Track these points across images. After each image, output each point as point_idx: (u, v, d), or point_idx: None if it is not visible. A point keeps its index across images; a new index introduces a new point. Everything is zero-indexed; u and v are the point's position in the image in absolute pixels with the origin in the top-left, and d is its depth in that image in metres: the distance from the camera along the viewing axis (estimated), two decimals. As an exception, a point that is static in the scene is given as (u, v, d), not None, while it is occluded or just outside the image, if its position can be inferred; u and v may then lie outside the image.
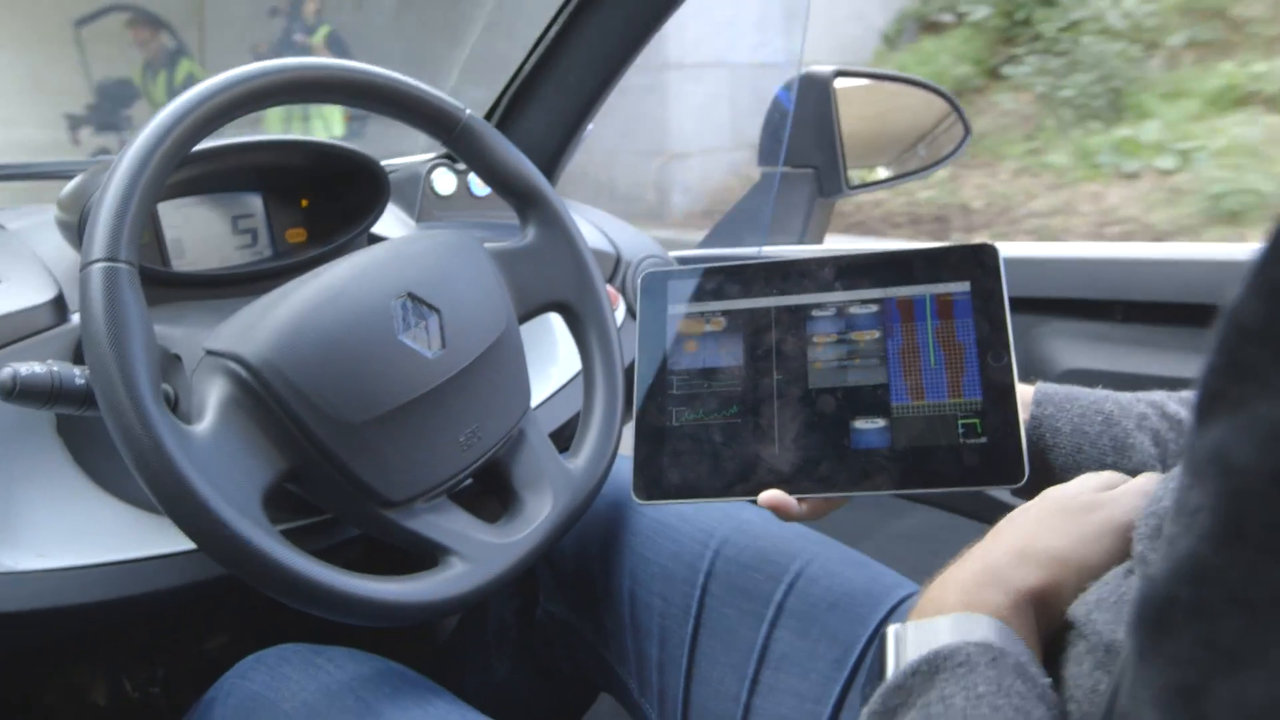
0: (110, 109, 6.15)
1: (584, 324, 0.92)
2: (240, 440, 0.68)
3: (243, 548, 0.63)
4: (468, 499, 0.80)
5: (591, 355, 0.91)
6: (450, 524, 0.76)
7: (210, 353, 0.71)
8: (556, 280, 0.90)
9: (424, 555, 0.75)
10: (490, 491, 0.84)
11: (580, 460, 0.86)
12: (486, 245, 0.86)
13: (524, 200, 0.91)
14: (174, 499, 0.62)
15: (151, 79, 6.03)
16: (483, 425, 0.80)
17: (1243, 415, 0.28)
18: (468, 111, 0.87)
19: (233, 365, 0.70)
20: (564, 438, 1.08)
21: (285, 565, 0.65)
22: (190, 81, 5.40)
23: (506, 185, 0.90)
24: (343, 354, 0.73)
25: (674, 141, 6.20)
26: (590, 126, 1.32)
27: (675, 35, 5.84)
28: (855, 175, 1.45)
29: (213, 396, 0.69)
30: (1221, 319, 0.30)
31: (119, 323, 0.64)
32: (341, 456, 0.71)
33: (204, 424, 0.68)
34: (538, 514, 0.81)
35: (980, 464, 0.71)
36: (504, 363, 0.83)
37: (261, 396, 0.69)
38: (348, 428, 0.71)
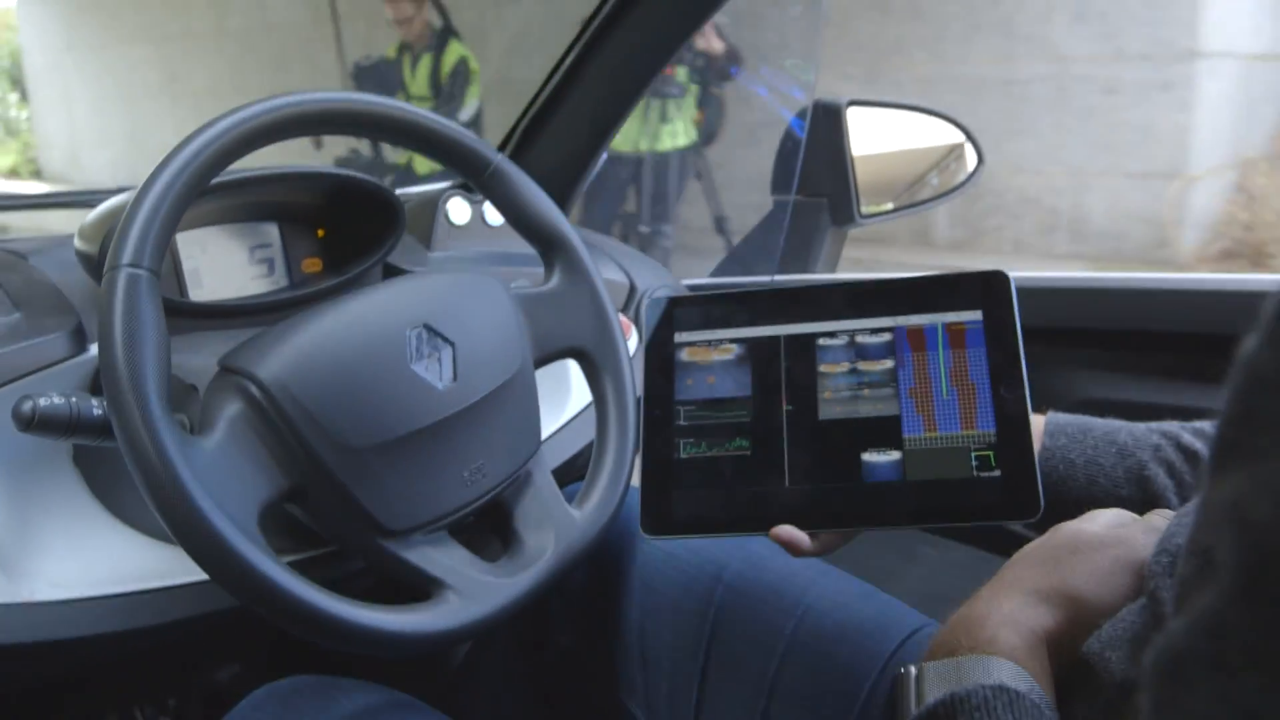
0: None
1: (600, 372, 0.91)
2: (244, 455, 0.69)
3: (227, 556, 0.63)
4: (468, 536, 0.80)
5: (605, 403, 0.91)
6: (447, 558, 0.76)
7: (224, 369, 0.72)
8: (576, 327, 0.90)
9: (418, 588, 0.75)
10: (492, 530, 0.84)
11: (585, 507, 0.86)
12: (511, 287, 0.87)
13: (549, 246, 0.91)
14: (170, 505, 0.62)
15: (411, 64, 4.88)
16: (488, 462, 0.80)
17: (1261, 468, 0.28)
18: (499, 155, 0.88)
19: (244, 382, 0.70)
20: (573, 470, 1.08)
21: (266, 577, 0.64)
22: (462, 68, 4.85)
23: (532, 230, 0.90)
24: (353, 378, 0.73)
25: (1168, 155, 4.62)
26: (604, 156, 1.33)
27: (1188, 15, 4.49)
28: (867, 204, 1.46)
29: (222, 410, 0.70)
30: (1237, 368, 0.30)
31: (134, 327, 0.65)
32: (343, 480, 0.71)
33: (209, 435, 0.68)
34: (537, 556, 0.81)
35: (994, 498, 0.70)
36: (515, 402, 0.83)
37: (269, 414, 0.70)
38: (352, 452, 0.71)
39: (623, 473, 0.88)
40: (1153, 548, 0.56)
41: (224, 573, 0.64)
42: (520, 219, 0.90)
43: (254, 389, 0.70)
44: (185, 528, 0.63)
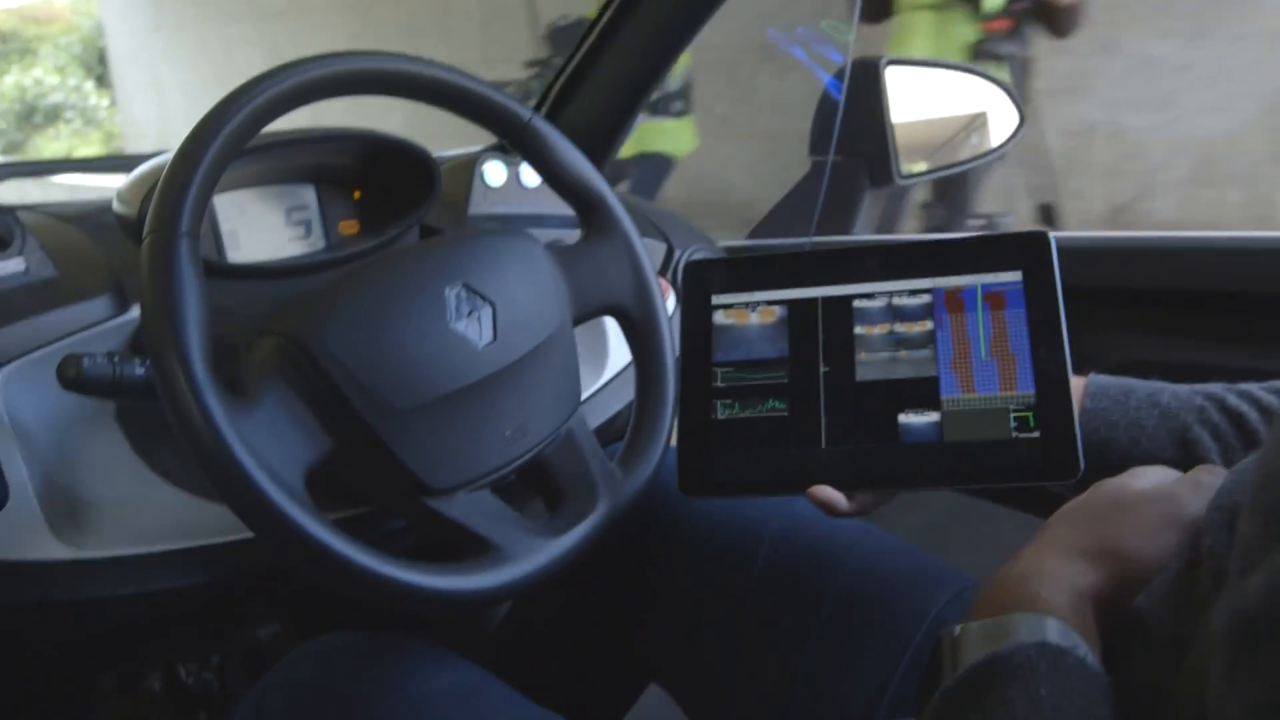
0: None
1: (639, 330, 0.91)
2: (288, 417, 0.69)
3: (275, 518, 0.64)
4: (511, 495, 0.80)
5: (646, 361, 0.91)
6: (491, 517, 0.76)
7: (265, 332, 0.72)
8: (614, 285, 0.90)
9: (463, 546, 0.75)
10: (535, 489, 0.84)
11: (628, 464, 0.86)
12: (547, 244, 0.86)
13: (585, 204, 0.91)
14: (218, 467, 0.63)
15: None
16: (529, 421, 0.80)
17: None
18: (532, 113, 0.87)
19: (284, 343, 0.71)
20: (613, 429, 1.08)
21: (314, 537, 0.65)
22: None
23: (569, 188, 0.90)
24: (393, 338, 0.73)
25: None
26: (641, 116, 1.31)
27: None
28: (907, 165, 1.44)
29: (265, 373, 0.70)
30: None
31: (175, 291, 0.65)
32: (386, 440, 0.71)
33: (254, 399, 0.69)
34: (582, 515, 0.81)
35: (1034, 459, 0.70)
36: (555, 360, 0.83)
37: (310, 374, 0.70)
38: (393, 411, 0.71)
39: (664, 429, 0.88)
40: (1200, 504, 0.55)
41: (273, 533, 0.65)
42: (556, 177, 0.89)
43: (296, 351, 0.70)
44: (234, 490, 0.63)
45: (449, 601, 0.70)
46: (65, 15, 11.17)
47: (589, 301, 0.89)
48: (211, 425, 0.63)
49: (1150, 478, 0.61)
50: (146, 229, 0.67)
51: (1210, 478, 0.58)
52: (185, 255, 0.66)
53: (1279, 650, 0.27)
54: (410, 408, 0.72)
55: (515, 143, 0.88)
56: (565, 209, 0.92)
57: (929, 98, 1.52)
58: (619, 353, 1.14)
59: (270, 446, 0.66)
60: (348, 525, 0.80)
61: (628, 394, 0.94)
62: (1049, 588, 0.53)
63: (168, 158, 0.70)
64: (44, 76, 10.32)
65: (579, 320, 0.88)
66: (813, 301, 0.79)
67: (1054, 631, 0.49)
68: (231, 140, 0.70)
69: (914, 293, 0.76)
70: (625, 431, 0.90)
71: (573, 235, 0.93)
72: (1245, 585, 0.29)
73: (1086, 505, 0.59)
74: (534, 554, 0.75)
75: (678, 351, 0.86)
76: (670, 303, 1.25)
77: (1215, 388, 0.74)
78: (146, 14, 8.09)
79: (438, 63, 0.82)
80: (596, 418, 1.08)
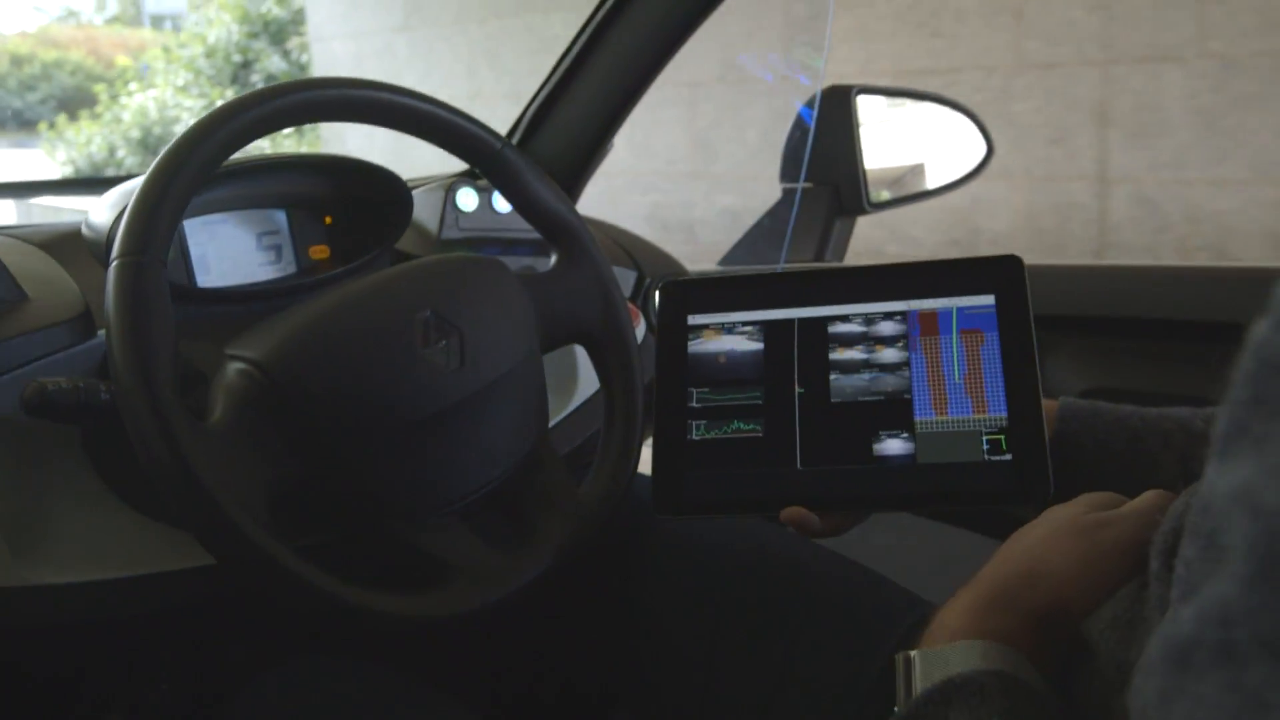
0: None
1: (607, 357, 0.91)
2: (251, 440, 0.69)
3: (233, 538, 0.64)
4: (478, 521, 0.80)
5: (613, 387, 0.91)
6: (456, 542, 0.76)
7: (230, 357, 0.72)
8: (583, 312, 0.90)
9: (427, 571, 0.75)
10: (502, 514, 0.84)
11: (594, 490, 0.85)
12: (517, 272, 0.86)
13: (555, 231, 0.91)
14: (179, 490, 0.63)
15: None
16: (497, 447, 0.80)
17: (1270, 453, 0.28)
18: (504, 141, 0.88)
19: (249, 367, 0.71)
20: (582, 455, 1.08)
21: (271, 559, 0.65)
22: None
23: (538, 216, 0.90)
24: (359, 363, 0.73)
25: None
26: (612, 144, 1.32)
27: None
28: (876, 192, 1.45)
29: (228, 396, 0.70)
30: (1246, 351, 0.30)
31: (141, 316, 0.65)
32: (351, 465, 0.71)
33: (216, 420, 0.68)
34: (546, 539, 0.80)
35: (1006, 482, 0.70)
36: (523, 387, 0.83)
37: (275, 398, 0.70)
38: (360, 437, 0.71)
39: (630, 456, 0.88)
40: (1147, 529, 0.56)
41: (230, 554, 0.64)
42: (526, 204, 0.90)
43: (258, 374, 0.70)
44: (195, 513, 0.63)
45: (412, 626, 0.70)
46: (144, 38, 10.17)
47: (558, 329, 0.89)
48: (174, 449, 0.63)
49: (1094, 503, 0.62)
50: (114, 253, 0.67)
51: (1159, 502, 0.59)
52: (152, 281, 0.66)
53: (1212, 679, 0.28)
54: (376, 434, 0.72)
55: (486, 170, 0.88)
56: (538, 235, 0.93)
57: (899, 126, 1.53)
58: (588, 379, 1.14)
59: (233, 471, 0.66)
60: (316, 552, 0.80)
61: (596, 420, 0.95)
62: (1003, 612, 0.53)
63: (138, 181, 0.70)
64: (170, 96, 8.93)
65: (548, 348, 0.88)
66: (788, 323, 0.79)
67: (1006, 658, 0.50)
68: (202, 166, 0.71)
69: (888, 315, 0.77)
70: (590, 460, 0.90)
71: (544, 262, 0.94)
72: (1180, 614, 0.30)
73: (1038, 531, 0.60)
74: (499, 578, 0.75)
75: (647, 380, 0.86)
76: (640, 330, 1.26)
77: (1183, 412, 0.75)
78: (391, 13, 6.45)
79: (410, 90, 0.83)
80: (566, 444, 1.08)
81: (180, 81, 8.96)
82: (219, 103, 0.76)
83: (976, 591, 0.56)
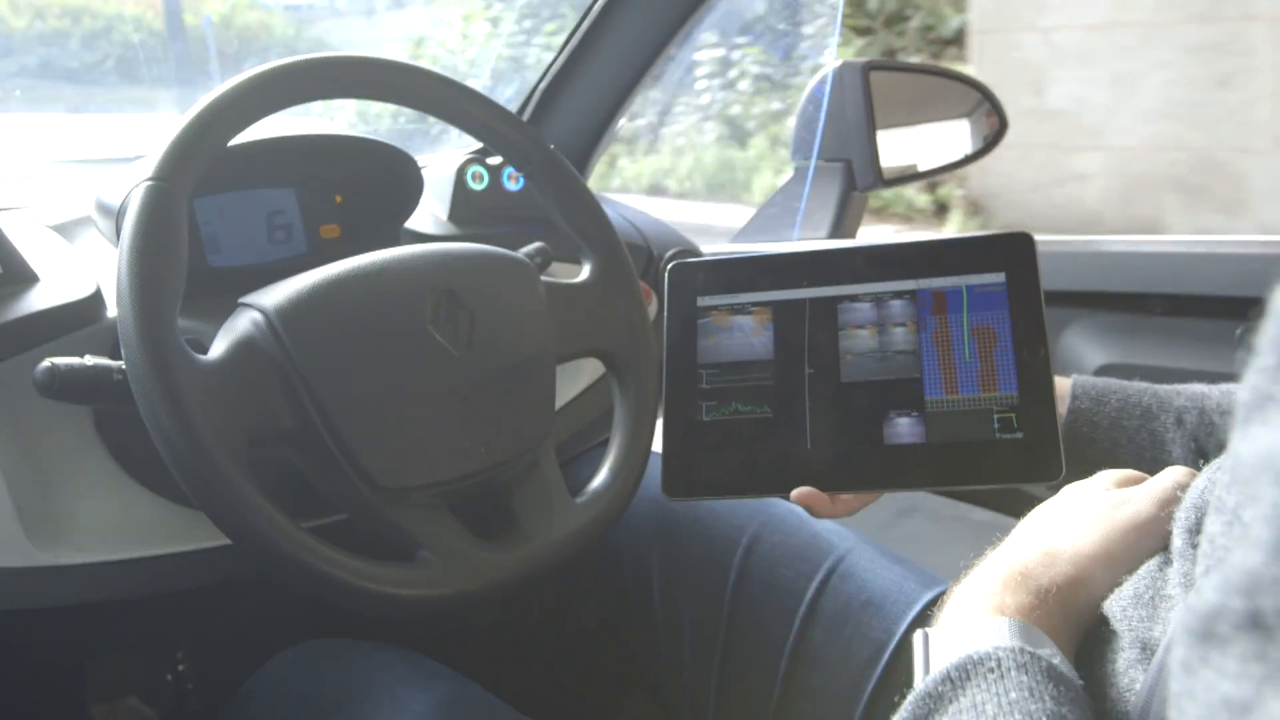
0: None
1: (625, 376, 0.89)
2: (244, 381, 0.68)
3: (202, 466, 0.62)
4: (465, 516, 0.78)
5: (626, 405, 0.88)
6: (434, 526, 0.74)
7: (241, 304, 0.72)
8: (607, 328, 0.89)
9: (401, 550, 0.73)
10: (490, 510, 0.82)
11: (589, 500, 0.83)
12: (543, 279, 0.85)
13: (590, 242, 0.90)
14: (158, 410, 0.62)
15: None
16: (494, 439, 0.78)
17: None
18: (550, 146, 0.87)
19: (255, 314, 0.70)
20: (582, 441, 1.08)
21: (241, 503, 0.63)
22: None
23: (575, 224, 0.89)
24: (365, 327, 0.72)
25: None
26: (621, 122, 1.32)
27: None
28: (889, 169, 1.44)
29: (229, 336, 0.70)
30: (1271, 318, 0.29)
31: (155, 236, 0.65)
32: (341, 428, 0.70)
33: (212, 355, 0.68)
34: (529, 540, 0.78)
35: (1016, 460, 0.70)
36: (530, 385, 0.81)
37: (275, 347, 0.69)
38: (353, 400, 0.71)
39: (631, 474, 0.86)
40: (1167, 505, 0.55)
41: (198, 485, 0.63)
42: (565, 211, 0.89)
43: (262, 320, 0.70)
44: (170, 435, 0.62)
45: (372, 598, 0.68)
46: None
47: (578, 339, 0.87)
48: (164, 368, 0.62)
49: (1113, 480, 0.61)
50: (146, 176, 0.67)
51: (1180, 477, 0.59)
52: (176, 208, 0.66)
53: (1237, 649, 0.27)
54: (371, 400, 0.71)
55: (530, 173, 0.88)
56: (548, 220, 0.92)
57: (912, 102, 1.52)
58: (594, 364, 1.14)
59: (219, 404, 0.65)
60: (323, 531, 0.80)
61: (601, 404, 0.94)
62: (1021, 590, 0.53)
63: (152, 158, 0.69)
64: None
65: (565, 358, 0.87)
66: (799, 303, 0.79)
67: (1025, 635, 0.49)
68: (247, 112, 0.71)
69: (898, 294, 0.76)
70: (594, 440, 0.88)
71: (552, 239, 0.93)
72: (1203, 585, 0.29)
73: (1056, 509, 0.60)
74: (473, 570, 0.73)
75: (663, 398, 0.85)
76: (652, 308, 1.25)
77: (1197, 388, 0.75)
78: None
79: (458, 83, 0.83)
80: (569, 427, 1.08)
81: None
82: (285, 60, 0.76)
83: (994, 569, 0.55)
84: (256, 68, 0.73)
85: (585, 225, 0.89)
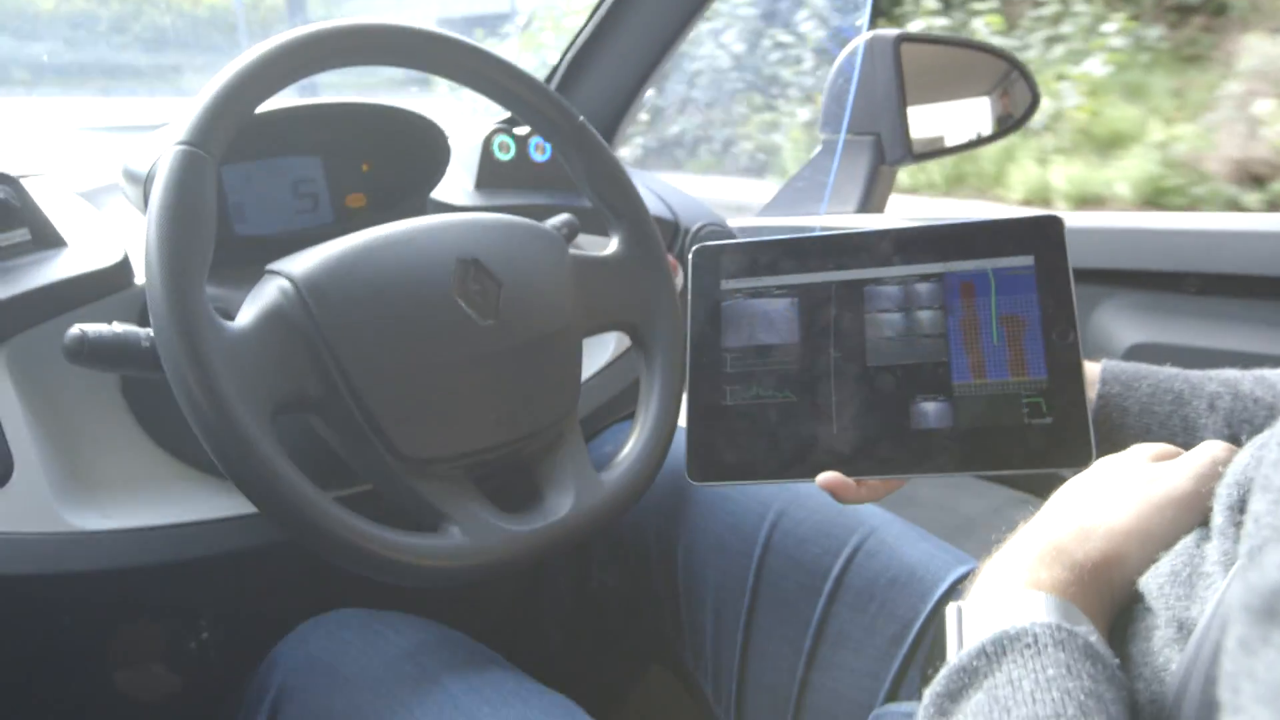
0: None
1: (652, 350, 0.89)
2: (270, 348, 0.68)
3: (227, 432, 0.62)
4: (491, 486, 0.78)
5: (653, 379, 0.88)
6: (458, 496, 0.74)
7: (269, 271, 0.72)
8: (634, 301, 0.89)
9: (424, 520, 0.73)
10: (515, 483, 0.82)
11: (612, 476, 0.83)
12: (570, 251, 0.85)
13: (619, 215, 0.89)
14: (186, 375, 0.62)
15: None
16: (520, 411, 0.78)
17: None
18: (581, 118, 0.86)
19: (283, 282, 0.70)
20: (608, 413, 1.07)
21: (268, 471, 0.63)
22: None
23: (604, 195, 0.89)
24: (392, 296, 0.72)
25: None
26: (649, 92, 1.30)
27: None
28: (919, 142, 1.42)
29: (257, 303, 0.70)
30: None
31: (184, 202, 0.65)
32: (365, 396, 0.70)
33: (240, 322, 0.68)
34: (553, 512, 0.78)
35: (1045, 445, 0.69)
36: (556, 358, 0.81)
37: (301, 315, 0.69)
38: (379, 369, 0.70)
39: (657, 449, 0.86)
40: (1204, 481, 0.54)
41: (224, 451, 0.63)
42: (594, 184, 0.88)
43: (291, 288, 0.70)
44: (197, 401, 0.62)
45: (394, 567, 0.68)
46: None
47: (604, 313, 0.87)
48: (191, 334, 0.62)
49: (1150, 454, 0.60)
50: (175, 140, 0.66)
51: (1218, 453, 0.58)
52: (206, 173, 0.66)
53: None
54: (397, 369, 0.71)
55: (559, 145, 0.87)
56: (576, 192, 0.91)
57: (944, 75, 1.50)
58: (622, 338, 1.13)
59: (245, 371, 0.65)
60: (353, 500, 0.80)
61: (628, 377, 0.93)
62: (1056, 565, 0.52)
63: (180, 122, 0.69)
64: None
65: (592, 331, 0.86)
66: (825, 286, 0.78)
67: (1061, 612, 0.48)
68: (273, 75, 0.71)
69: (925, 277, 0.75)
70: (619, 416, 0.88)
71: (578, 207, 0.93)
72: (1264, 561, 0.28)
73: (1089, 483, 0.59)
74: (496, 541, 0.73)
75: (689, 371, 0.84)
76: (679, 280, 1.24)
77: (1230, 373, 0.73)
78: None
79: (498, 58, 0.83)
80: (594, 400, 1.07)
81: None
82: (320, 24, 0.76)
83: (1028, 543, 0.54)
84: (284, 33, 0.72)
85: (613, 198, 0.89)
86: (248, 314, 0.69)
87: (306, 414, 0.72)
